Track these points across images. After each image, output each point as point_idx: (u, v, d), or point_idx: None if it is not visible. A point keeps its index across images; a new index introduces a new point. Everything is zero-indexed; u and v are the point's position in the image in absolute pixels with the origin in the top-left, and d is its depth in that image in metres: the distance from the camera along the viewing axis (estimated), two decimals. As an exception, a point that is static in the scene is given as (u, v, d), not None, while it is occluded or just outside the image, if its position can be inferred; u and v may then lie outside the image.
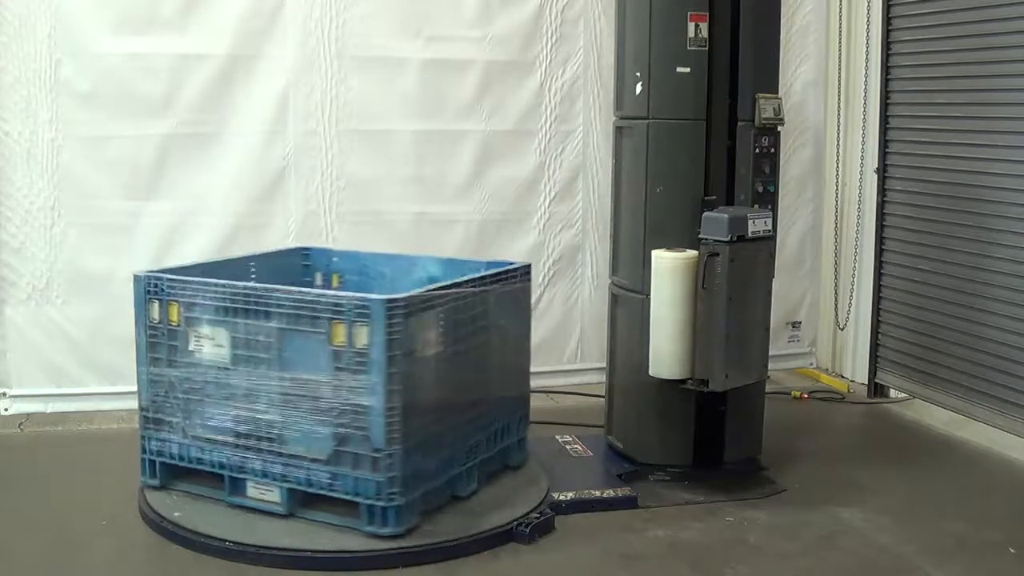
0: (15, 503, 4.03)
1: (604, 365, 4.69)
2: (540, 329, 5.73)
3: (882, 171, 5.53)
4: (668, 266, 4.06)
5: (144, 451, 4.02)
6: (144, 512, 3.85)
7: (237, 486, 3.83)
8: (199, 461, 3.90)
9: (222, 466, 3.84)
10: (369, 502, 3.56)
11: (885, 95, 5.49)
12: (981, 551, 3.73)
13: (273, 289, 3.73)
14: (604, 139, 5.52)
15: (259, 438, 3.74)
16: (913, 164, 5.34)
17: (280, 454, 3.71)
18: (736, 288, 3.98)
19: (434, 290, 3.78)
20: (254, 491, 3.79)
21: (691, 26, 4.11)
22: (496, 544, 3.69)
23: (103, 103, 5.02)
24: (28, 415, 5.06)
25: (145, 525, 3.80)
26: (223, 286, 3.81)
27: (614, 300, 4.50)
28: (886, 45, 5.47)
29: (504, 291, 4.07)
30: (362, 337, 3.51)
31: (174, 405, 3.95)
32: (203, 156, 5.17)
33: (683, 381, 4.11)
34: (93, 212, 5.08)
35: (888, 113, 5.49)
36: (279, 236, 5.29)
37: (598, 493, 4.11)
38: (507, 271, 4.16)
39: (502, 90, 5.57)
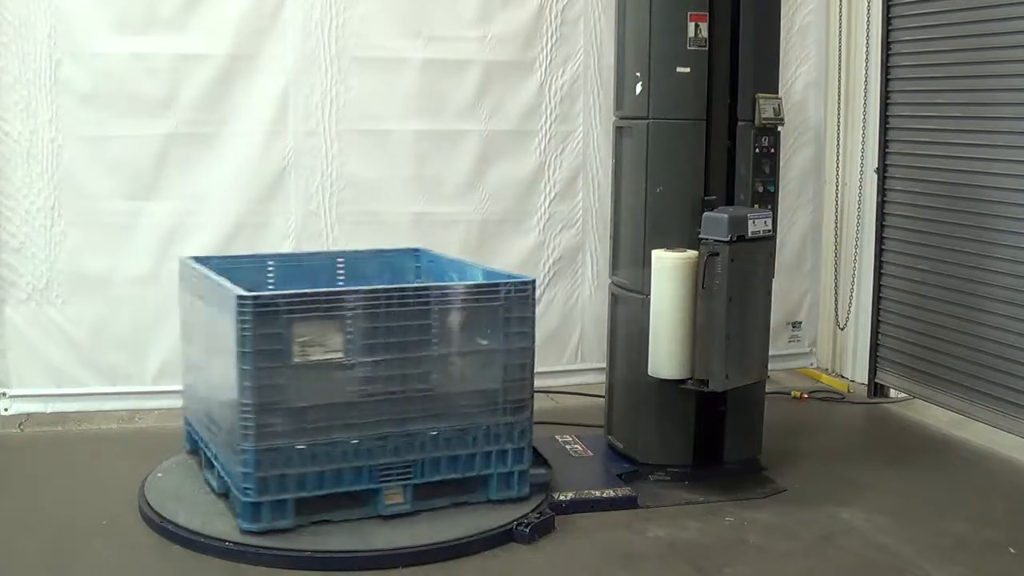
0: (15, 503, 4.03)
1: (604, 365, 4.68)
2: (540, 329, 5.70)
3: (882, 171, 5.53)
4: (668, 266, 4.06)
5: (185, 421, 4.40)
6: (144, 512, 3.86)
7: (209, 462, 3.98)
8: (196, 433, 4.17)
9: (200, 440, 4.09)
10: (235, 493, 3.62)
11: (885, 95, 5.49)
12: (981, 551, 3.73)
13: (205, 277, 3.87)
14: (604, 139, 5.51)
15: (208, 417, 3.94)
16: (913, 164, 5.34)
17: (215, 435, 3.86)
18: (736, 288, 3.98)
19: (315, 294, 3.69)
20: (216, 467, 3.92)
21: (691, 26, 4.11)
22: (496, 544, 3.69)
23: (103, 103, 5.02)
24: (28, 415, 5.06)
25: (145, 525, 3.80)
26: (195, 272, 4.01)
27: (614, 300, 4.50)
28: (886, 45, 5.47)
29: (447, 306, 3.78)
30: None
31: (189, 380, 4.28)
32: (203, 156, 5.17)
33: (683, 381, 4.11)
34: (93, 212, 5.08)
35: (888, 113, 5.49)
36: (279, 236, 5.29)
37: (598, 493, 4.11)
38: (478, 286, 3.90)
39: (502, 90, 5.57)
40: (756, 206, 4.18)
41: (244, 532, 3.55)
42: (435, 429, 3.77)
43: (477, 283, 3.97)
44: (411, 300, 3.75)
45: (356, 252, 4.75)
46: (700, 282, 4.01)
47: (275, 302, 3.52)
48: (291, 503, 3.58)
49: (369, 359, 3.66)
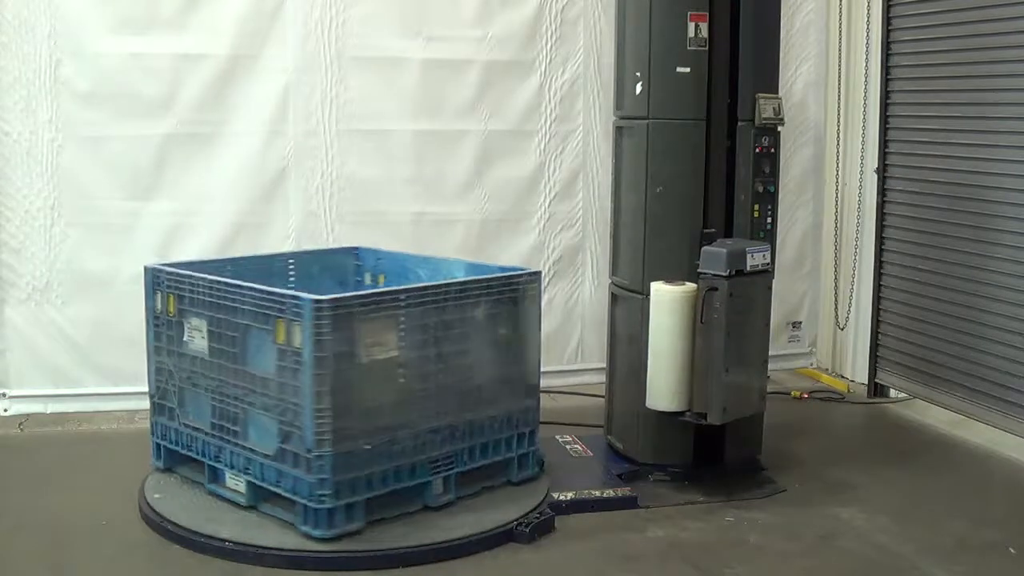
0: (15, 503, 4.03)
1: (604, 365, 4.68)
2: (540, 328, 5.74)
3: (882, 171, 5.53)
4: (667, 299, 4.06)
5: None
6: (144, 512, 3.86)
7: (216, 474, 3.96)
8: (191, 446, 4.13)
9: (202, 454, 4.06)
10: (302, 501, 3.65)
11: (885, 95, 5.49)
12: (981, 551, 3.73)
13: (237, 285, 3.83)
14: (604, 139, 5.51)
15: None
16: (913, 164, 5.34)
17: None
18: (734, 322, 3.98)
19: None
20: (231, 481, 3.88)
21: (691, 26, 4.11)
22: (496, 544, 3.69)
23: (103, 103, 5.02)
24: (28, 415, 5.06)
25: (145, 525, 3.81)
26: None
27: (614, 300, 4.50)
28: (886, 45, 5.47)
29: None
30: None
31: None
32: (203, 156, 5.17)
33: (681, 413, 4.10)
34: (93, 212, 5.08)
35: (888, 113, 5.49)
36: (279, 236, 5.30)
37: (598, 493, 4.11)
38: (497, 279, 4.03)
39: (502, 90, 5.57)
40: (756, 206, 4.19)
41: (318, 539, 3.56)
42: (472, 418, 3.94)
43: (496, 275, 4.11)
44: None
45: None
46: (699, 316, 4.00)
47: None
48: (362, 504, 3.64)
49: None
